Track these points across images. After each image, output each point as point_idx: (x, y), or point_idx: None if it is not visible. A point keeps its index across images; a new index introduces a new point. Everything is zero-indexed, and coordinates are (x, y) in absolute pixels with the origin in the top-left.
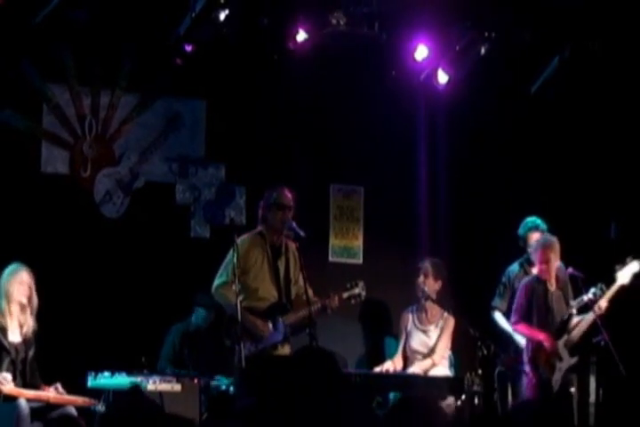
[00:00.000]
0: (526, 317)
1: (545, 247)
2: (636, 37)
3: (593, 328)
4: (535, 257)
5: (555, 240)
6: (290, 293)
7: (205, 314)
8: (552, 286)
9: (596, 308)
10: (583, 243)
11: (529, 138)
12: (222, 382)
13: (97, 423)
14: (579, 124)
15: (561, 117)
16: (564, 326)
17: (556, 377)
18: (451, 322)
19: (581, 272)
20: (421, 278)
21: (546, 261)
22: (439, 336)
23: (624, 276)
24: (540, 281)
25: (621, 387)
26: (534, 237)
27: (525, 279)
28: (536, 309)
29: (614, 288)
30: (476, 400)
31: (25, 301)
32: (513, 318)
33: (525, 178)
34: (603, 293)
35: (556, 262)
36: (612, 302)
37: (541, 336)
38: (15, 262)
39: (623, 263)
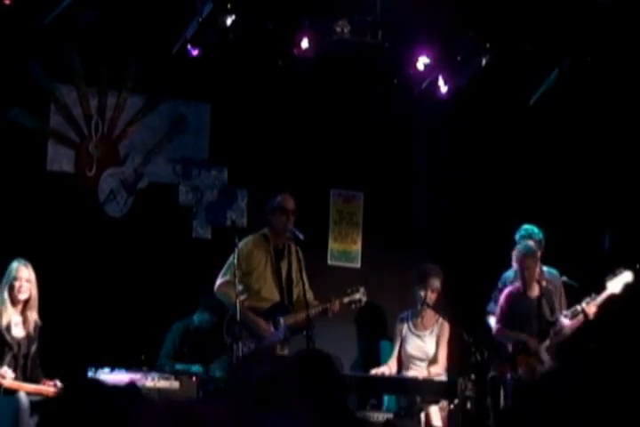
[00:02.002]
0: (508, 324)
1: (523, 255)
2: (635, 49)
3: (580, 334)
4: (515, 265)
5: (533, 247)
6: (291, 294)
7: (208, 318)
8: (533, 293)
9: (581, 315)
10: (577, 253)
11: (527, 148)
12: (221, 375)
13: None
14: (576, 136)
15: (558, 129)
16: (546, 331)
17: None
18: (446, 328)
19: (575, 282)
20: (428, 293)
21: (526, 269)
22: (438, 345)
23: (615, 285)
24: (521, 289)
25: (612, 393)
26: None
27: (509, 288)
28: (517, 316)
29: (604, 296)
30: (469, 405)
31: (24, 297)
32: (495, 327)
33: (522, 187)
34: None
35: (535, 269)
36: (600, 308)
37: (523, 336)
38: (16, 258)
39: (614, 273)
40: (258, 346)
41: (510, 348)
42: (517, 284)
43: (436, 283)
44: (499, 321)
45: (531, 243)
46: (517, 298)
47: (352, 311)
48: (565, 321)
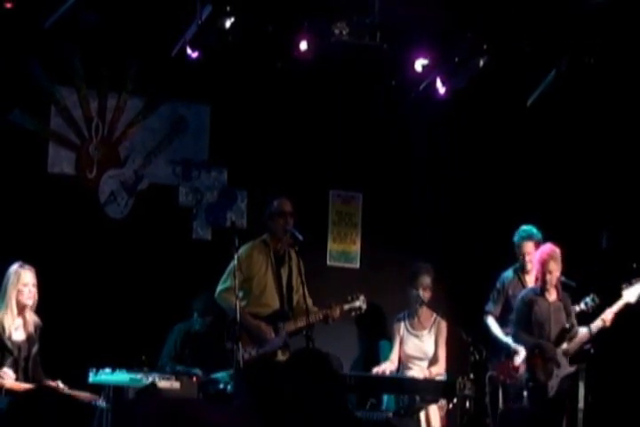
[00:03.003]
0: (525, 327)
1: (548, 258)
2: (632, 50)
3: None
4: (537, 267)
5: (557, 250)
6: (291, 300)
7: (201, 321)
8: (551, 297)
9: (599, 320)
10: (575, 252)
11: (524, 149)
12: (222, 377)
13: (102, 419)
14: (573, 136)
15: (555, 129)
16: (563, 335)
17: (552, 383)
18: (443, 327)
19: (573, 281)
20: (420, 292)
21: (549, 272)
22: (437, 344)
23: (631, 294)
24: (540, 292)
25: (610, 393)
26: (528, 245)
27: (524, 291)
28: (535, 320)
29: (619, 304)
30: (468, 404)
31: (30, 302)
32: (513, 329)
33: (520, 187)
34: (595, 303)
35: (557, 273)
36: (616, 315)
37: (541, 343)
38: (18, 261)
39: (630, 282)
40: (258, 351)
41: (517, 348)
42: (535, 286)
43: (426, 280)
44: (516, 324)
45: (554, 247)
46: (535, 301)
47: None
48: (576, 330)
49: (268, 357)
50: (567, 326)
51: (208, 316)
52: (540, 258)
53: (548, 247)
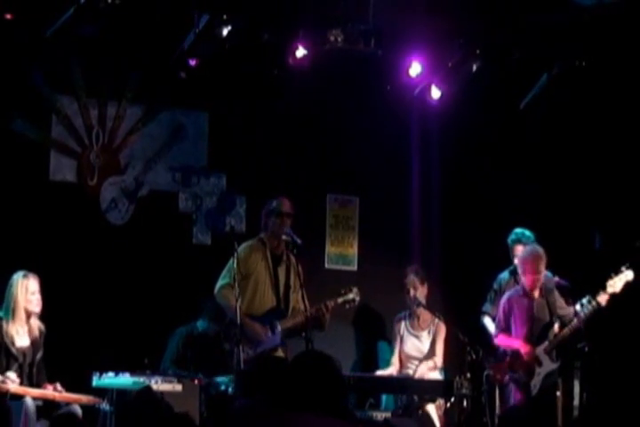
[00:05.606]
0: (507, 328)
1: (533, 258)
2: (622, 54)
3: (576, 335)
4: (522, 268)
5: (541, 251)
6: (288, 299)
7: (212, 327)
8: (536, 295)
9: (589, 307)
10: (568, 253)
11: (518, 151)
12: (223, 382)
13: (106, 422)
14: (566, 138)
15: (548, 132)
16: (545, 333)
17: (534, 382)
18: (442, 328)
19: (567, 282)
20: (412, 292)
21: (535, 272)
22: (435, 341)
23: (615, 284)
24: (525, 292)
25: (605, 391)
26: (519, 248)
27: (509, 293)
28: (520, 319)
29: (604, 298)
30: (465, 403)
31: (38, 310)
32: (495, 331)
33: (514, 189)
34: (591, 304)
35: (540, 272)
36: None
37: (517, 344)
38: (22, 270)
39: (615, 272)
40: (256, 351)
41: (509, 351)
42: (519, 286)
43: (412, 279)
44: (498, 326)
45: (537, 245)
46: (518, 301)
47: (350, 313)
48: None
49: (267, 354)
50: (552, 321)
51: (219, 324)
52: (522, 258)
53: (530, 247)
